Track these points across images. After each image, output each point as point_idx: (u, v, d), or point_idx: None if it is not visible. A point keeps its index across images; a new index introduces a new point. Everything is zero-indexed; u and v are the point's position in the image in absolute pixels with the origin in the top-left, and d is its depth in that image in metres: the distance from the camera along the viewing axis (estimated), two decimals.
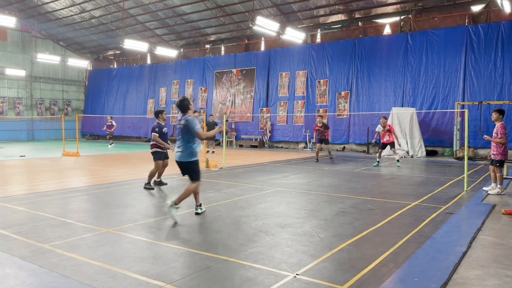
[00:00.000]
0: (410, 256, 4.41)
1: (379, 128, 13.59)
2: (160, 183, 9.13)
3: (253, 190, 8.57)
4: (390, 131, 13.36)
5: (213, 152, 18.13)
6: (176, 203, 5.86)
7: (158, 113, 8.89)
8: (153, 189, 8.63)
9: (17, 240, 4.94)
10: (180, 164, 6.12)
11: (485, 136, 8.36)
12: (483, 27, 16.96)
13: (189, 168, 6.13)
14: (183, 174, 6.28)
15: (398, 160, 13.65)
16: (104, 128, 23.21)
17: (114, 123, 22.72)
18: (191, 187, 6.10)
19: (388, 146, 13.70)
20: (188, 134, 6.03)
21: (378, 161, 13.63)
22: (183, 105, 6.09)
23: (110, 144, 22.32)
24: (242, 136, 23.89)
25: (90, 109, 31.32)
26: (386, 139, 13.44)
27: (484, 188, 8.55)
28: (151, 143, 8.88)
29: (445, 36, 17.70)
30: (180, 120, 6.09)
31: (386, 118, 13.83)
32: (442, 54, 17.75)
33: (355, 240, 4.99)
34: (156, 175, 9.03)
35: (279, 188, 8.81)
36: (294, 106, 21.84)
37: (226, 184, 9.49)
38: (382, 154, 14.50)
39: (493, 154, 8.26)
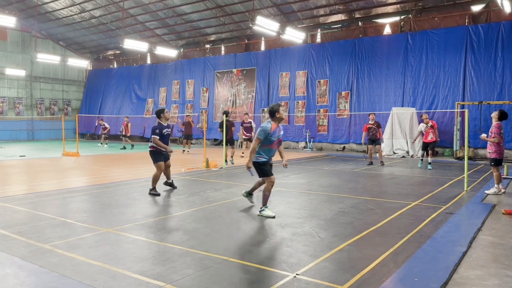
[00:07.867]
0: (410, 256, 4.41)
1: (421, 126, 12.71)
2: (171, 185, 8.61)
3: None
4: (433, 127, 12.41)
5: (188, 151, 18.35)
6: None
7: (159, 113, 8.16)
8: (159, 195, 7.86)
9: (17, 240, 4.94)
10: None
11: (481, 135, 8.46)
12: (483, 27, 16.95)
13: None
14: None
15: (430, 163, 12.73)
16: (96, 124, 24.54)
17: (107, 125, 22.93)
18: None
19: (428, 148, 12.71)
20: None
21: (422, 160, 13.08)
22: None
23: (105, 144, 22.54)
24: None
25: (88, 108, 31.26)
26: (430, 137, 12.50)
27: (486, 191, 8.41)
28: (150, 144, 8.06)
29: (445, 36, 17.68)
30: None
31: (427, 114, 12.98)
32: (442, 54, 17.73)
33: (355, 240, 4.99)
34: (166, 177, 8.54)
35: (279, 188, 8.80)
36: (295, 106, 21.84)
37: (226, 184, 9.49)
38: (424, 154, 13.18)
39: (489, 152, 8.39)
